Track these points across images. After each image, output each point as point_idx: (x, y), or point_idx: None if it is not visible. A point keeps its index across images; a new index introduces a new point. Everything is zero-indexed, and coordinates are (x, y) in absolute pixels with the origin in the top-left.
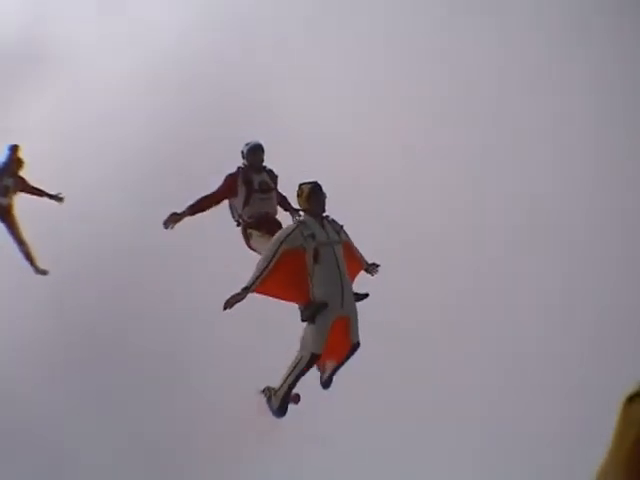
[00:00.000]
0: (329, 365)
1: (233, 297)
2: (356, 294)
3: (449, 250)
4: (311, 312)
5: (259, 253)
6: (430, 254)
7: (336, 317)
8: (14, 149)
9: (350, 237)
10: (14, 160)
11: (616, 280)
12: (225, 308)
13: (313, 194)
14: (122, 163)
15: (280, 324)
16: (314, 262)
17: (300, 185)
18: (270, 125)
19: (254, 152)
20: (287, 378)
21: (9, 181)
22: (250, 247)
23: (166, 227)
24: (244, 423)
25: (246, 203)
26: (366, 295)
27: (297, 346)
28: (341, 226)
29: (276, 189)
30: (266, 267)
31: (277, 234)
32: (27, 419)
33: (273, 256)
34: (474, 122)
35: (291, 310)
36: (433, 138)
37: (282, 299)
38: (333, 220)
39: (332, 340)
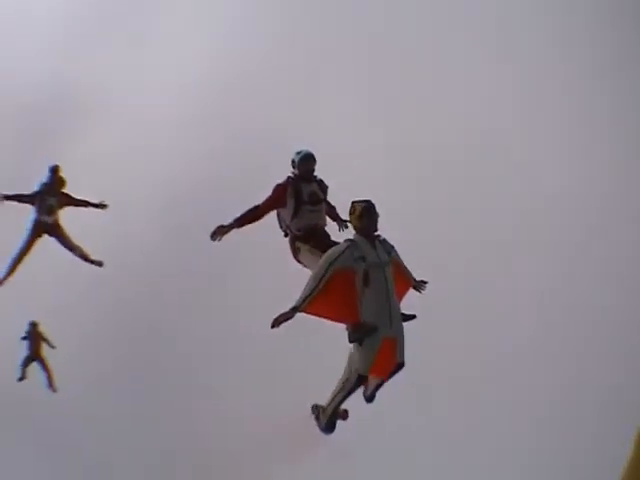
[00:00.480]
0: (372, 381)
1: (282, 316)
2: (403, 315)
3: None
4: (360, 334)
5: (307, 267)
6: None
7: (384, 338)
8: (55, 170)
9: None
10: (56, 180)
11: None
12: (273, 326)
13: (366, 213)
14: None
15: (327, 342)
16: (364, 284)
17: (353, 203)
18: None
19: (305, 161)
20: (335, 397)
21: (53, 200)
22: (298, 260)
23: (213, 239)
24: (295, 439)
25: (295, 214)
26: (414, 316)
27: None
28: (392, 246)
29: (326, 200)
30: (315, 287)
31: (327, 253)
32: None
33: (323, 276)
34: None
35: (338, 329)
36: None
37: (331, 320)
38: (385, 240)
39: (379, 359)
